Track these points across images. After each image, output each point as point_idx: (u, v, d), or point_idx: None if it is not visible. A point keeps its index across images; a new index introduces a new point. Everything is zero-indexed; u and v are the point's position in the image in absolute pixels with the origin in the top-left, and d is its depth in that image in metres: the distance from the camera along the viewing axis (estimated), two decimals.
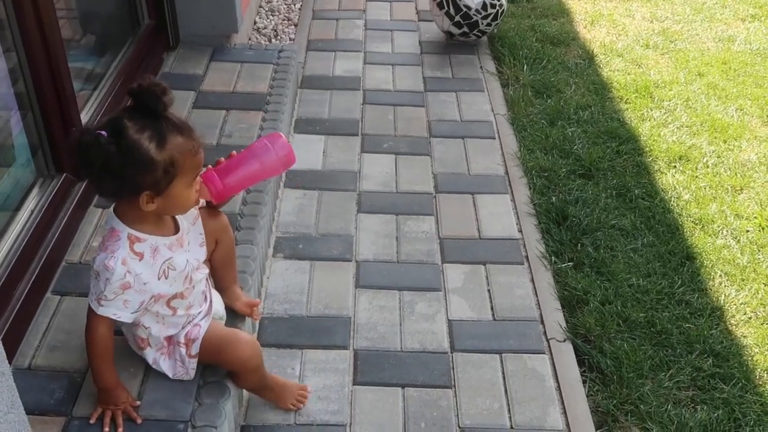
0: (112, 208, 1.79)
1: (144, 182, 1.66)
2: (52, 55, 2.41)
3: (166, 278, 1.81)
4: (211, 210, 2.03)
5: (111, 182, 1.68)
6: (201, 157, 1.75)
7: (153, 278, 1.78)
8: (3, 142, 2.40)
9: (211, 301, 2.00)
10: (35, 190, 2.38)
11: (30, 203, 2.32)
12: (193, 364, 1.95)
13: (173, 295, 1.86)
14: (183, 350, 1.93)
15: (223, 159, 1.93)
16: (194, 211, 1.93)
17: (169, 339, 1.95)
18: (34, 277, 2.17)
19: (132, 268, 1.73)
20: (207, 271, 1.98)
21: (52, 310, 2.18)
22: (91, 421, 1.85)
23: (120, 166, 1.62)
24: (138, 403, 1.89)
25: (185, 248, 1.87)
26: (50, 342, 2.08)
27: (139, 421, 1.86)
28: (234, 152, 1.94)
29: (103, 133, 1.63)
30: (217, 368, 2.01)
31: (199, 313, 1.95)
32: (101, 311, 1.75)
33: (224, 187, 1.89)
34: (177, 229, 1.86)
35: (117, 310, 1.75)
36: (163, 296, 1.84)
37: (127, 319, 1.79)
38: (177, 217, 1.88)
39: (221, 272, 2.14)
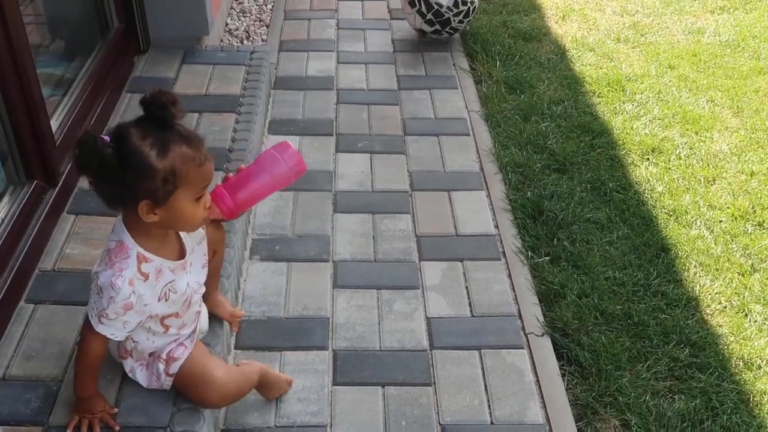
0: (120, 219, 1.75)
1: (142, 189, 1.62)
2: (19, 61, 2.37)
3: (166, 300, 1.79)
4: (214, 221, 1.99)
5: (109, 187, 1.65)
6: (208, 170, 1.69)
7: (154, 300, 1.76)
8: None
9: (197, 321, 1.98)
10: (6, 198, 2.35)
11: (0, 211, 2.29)
12: (168, 381, 1.92)
13: (168, 314, 1.84)
14: (162, 366, 1.90)
15: (231, 174, 1.88)
16: (201, 231, 1.89)
17: (152, 353, 1.93)
18: (6, 286, 2.14)
19: (137, 288, 1.71)
20: (203, 290, 1.95)
21: (26, 320, 2.15)
22: (68, 431, 1.82)
23: (117, 170, 1.59)
24: (116, 410, 1.87)
25: (187, 270, 1.84)
26: (25, 351, 2.05)
27: (117, 428, 1.84)
28: (243, 166, 1.89)
29: (105, 137, 1.61)
30: None
31: (191, 330, 1.93)
32: (100, 329, 1.72)
33: (235, 204, 1.83)
34: (182, 252, 1.83)
35: (115, 330, 1.73)
36: (158, 315, 1.81)
37: (122, 338, 1.78)
38: (183, 237, 1.84)
39: (207, 280, 2.11)
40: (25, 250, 2.28)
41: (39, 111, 2.49)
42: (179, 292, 1.81)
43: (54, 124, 2.67)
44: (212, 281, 2.13)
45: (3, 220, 2.26)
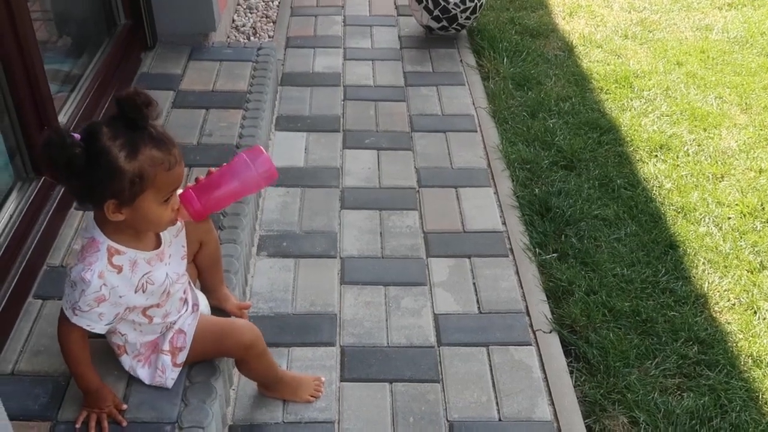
0: (92, 216, 1.76)
1: (108, 189, 1.63)
2: (27, 57, 2.38)
3: (144, 292, 1.79)
4: None
5: (76, 185, 1.66)
6: (177, 174, 1.69)
7: (130, 291, 1.76)
8: None
9: (195, 303, 1.98)
10: (14, 194, 2.35)
11: (9, 207, 2.29)
12: (174, 373, 1.93)
13: (149, 305, 1.84)
14: (167, 358, 1.91)
15: (201, 177, 1.87)
16: (178, 224, 1.89)
17: (149, 346, 1.92)
18: (15, 281, 2.15)
19: (108, 281, 1.71)
20: (186, 278, 1.95)
21: (34, 315, 2.16)
22: (77, 426, 1.83)
23: (84, 169, 1.60)
24: (125, 406, 1.87)
25: (165, 262, 1.83)
26: (33, 347, 2.06)
27: (124, 423, 1.84)
28: (212, 169, 1.88)
29: (75, 135, 1.61)
30: (203, 368, 2.00)
31: (180, 317, 1.93)
32: (75, 320, 1.73)
33: (203, 207, 1.82)
34: (158, 243, 1.83)
35: (91, 321, 1.74)
36: (138, 307, 1.81)
37: (101, 330, 1.78)
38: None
39: (207, 273, 2.12)
40: (33, 245, 2.28)
41: (47, 107, 2.50)
42: (157, 283, 1.80)
43: (62, 119, 2.67)
44: (215, 275, 2.14)
45: (11, 216, 2.26)
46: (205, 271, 2.11)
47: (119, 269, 1.73)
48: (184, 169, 1.73)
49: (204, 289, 2.14)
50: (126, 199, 1.65)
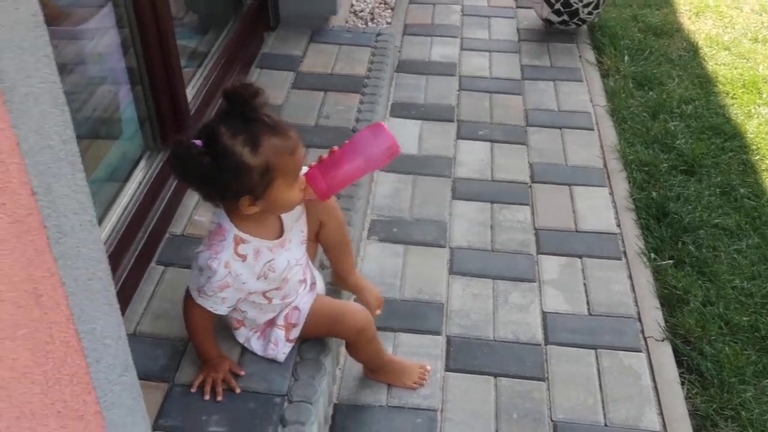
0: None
1: (241, 188, 1.66)
2: (162, 31, 2.45)
3: (265, 279, 1.82)
4: None
5: (210, 190, 1.71)
6: (299, 156, 1.71)
7: (252, 278, 1.80)
8: (112, 115, 2.47)
9: (313, 282, 2.01)
10: (142, 163, 2.44)
11: (137, 175, 2.38)
12: (287, 348, 1.96)
13: (269, 289, 1.88)
14: (281, 333, 1.95)
15: (324, 155, 1.86)
16: (299, 208, 1.90)
17: (267, 321, 1.97)
18: (140, 246, 2.23)
19: (233, 269, 1.75)
20: (305, 259, 1.97)
21: (156, 280, 2.24)
22: (192, 390, 1.89)
23: (216, 175, 1.62)
24: (242, 372, 1.93)
25: (286, 248, 1.86)
26: (154, 310, 2.14)
27: (237, 390, 1.89)
28: (335, 147, 1.86)
29: (197, 142, 1.63)
30: (313, 345, 2.03)
31: (297, 295, 1.96)
32: (200, 302, 1.80)
33: (327, 186, 1.81)
34: (281, 231, 1.85)
35: (214, 304, 1.80)
36: (258, 291, 1.86)
37: (223, 312, 1.84)
38: (282, 215, 1.86)
39: (334, 256, 2.11)
40: (158, 213, 2.37)
41: (177, 80, 2.57)
42: (278, 270, 1.83)
43: (189, 94, 2.75)
44: (343, 259, 2.11)
45: (140, 184, 2.35)
46: (330, 252, 2.10)
47: (244, 258, 1.77)
48: (303, 150, 1.74)
49: (336, 277, 2.16)
50: (260, 193, 1.68)
